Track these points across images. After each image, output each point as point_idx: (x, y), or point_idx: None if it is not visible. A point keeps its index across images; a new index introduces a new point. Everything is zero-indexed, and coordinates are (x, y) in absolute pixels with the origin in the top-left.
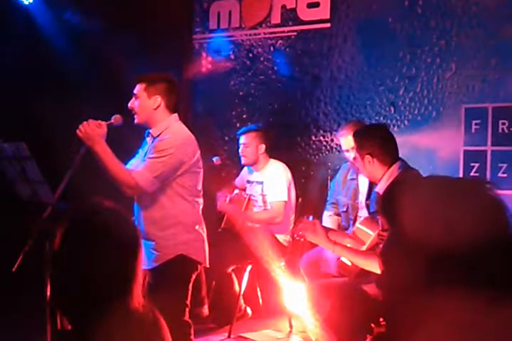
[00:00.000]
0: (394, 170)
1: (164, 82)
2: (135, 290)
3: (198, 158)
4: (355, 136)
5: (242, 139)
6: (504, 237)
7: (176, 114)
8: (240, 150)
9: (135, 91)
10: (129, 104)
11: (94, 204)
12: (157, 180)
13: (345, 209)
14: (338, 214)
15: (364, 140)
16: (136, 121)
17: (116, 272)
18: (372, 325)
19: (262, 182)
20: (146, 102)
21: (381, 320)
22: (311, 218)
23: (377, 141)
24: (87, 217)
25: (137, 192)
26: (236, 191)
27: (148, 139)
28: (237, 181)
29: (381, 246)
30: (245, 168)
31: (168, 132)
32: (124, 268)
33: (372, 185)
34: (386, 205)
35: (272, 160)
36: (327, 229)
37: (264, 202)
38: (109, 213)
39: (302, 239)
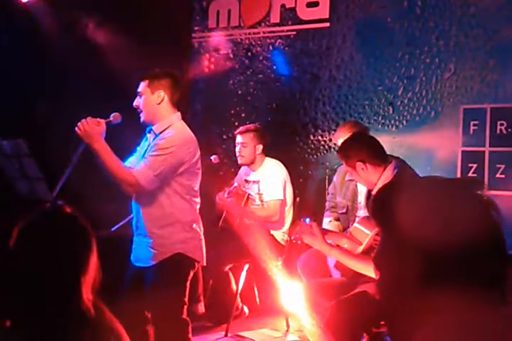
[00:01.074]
0: (389, 172)
1: (167, 77)
2: (84, 293)
3: (198, 159)
4: (340, 153)
5: (240, 138)
6: (498, 236)
7: (179, 113)
8: (237, 150)
9: (139, 90)
10: (134, 103)
11: (47, 207)
12: (158, 179)
13: (344, 211)
14: (338, 219)
15: (349, 151)
16: (142, 119)
17: (60, 274)
18: (371, 326)
19: (258, 181)
20: (150, 98)
21: (379, 320)
22: (307, 220)
23: (362, 146)
24: (34, 219)
25: (138, 190)
26: (235, 184)
27: (150, 136)
28: (237, 180)
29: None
30: (243, 168)
31: (171, 130)
32: (68, 271)
33: None
34: (380, 206)
35: (267, 159)
36: (324, 231)
37: (262, 200)
38: (57, 215)
39: (299, 242)
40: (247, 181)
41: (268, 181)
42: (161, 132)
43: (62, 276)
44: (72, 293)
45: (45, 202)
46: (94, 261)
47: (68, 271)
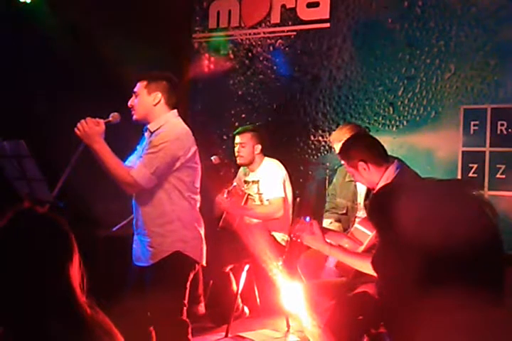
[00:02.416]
0: (391, 172)
1: (165, 81)
2: (75, 294)
3: (194, 153)
4: (341, 153)
5: (239, 139)
6: (496, 236)
7: (176, 110)
8: (236, 150)
9: (135, 90)
10: (129, 102)
11: (23, 211)
12: (155, 176)
13: (344, 212)
14: (339, 220)
15: (351, 151)
16: (134, 117)
17: (41, 276)
18: (371, 327)
19: (257, 182)
20: (146, 98)
21: (379, 321)
22: (308, 219)
23: (364, 146)
24: (6, 223)
25: (136, 190)
26: (234, 184)
27: (146, 134)
28: (236, 181)
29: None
30: (241, 169)
31: (165, 127)
32: (50, 273)
33: None
34: (378, 208)
35: (265, 159)
36: (325, 231)
37: (261, 200)
38: (34, 220)
39: (299, 240)
40: (246, 182)
41: (268, 180)
42: (156, 130)
43: (44, 278)
44: (60, 295)
45: (46, 202)
46: (76, 261)
47: (50, 273)
